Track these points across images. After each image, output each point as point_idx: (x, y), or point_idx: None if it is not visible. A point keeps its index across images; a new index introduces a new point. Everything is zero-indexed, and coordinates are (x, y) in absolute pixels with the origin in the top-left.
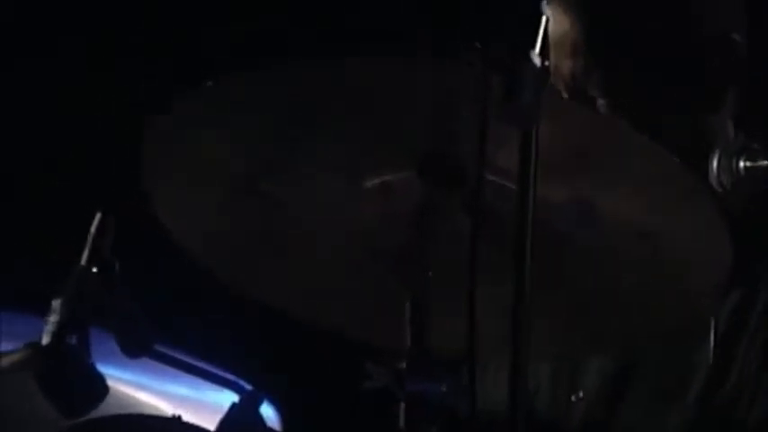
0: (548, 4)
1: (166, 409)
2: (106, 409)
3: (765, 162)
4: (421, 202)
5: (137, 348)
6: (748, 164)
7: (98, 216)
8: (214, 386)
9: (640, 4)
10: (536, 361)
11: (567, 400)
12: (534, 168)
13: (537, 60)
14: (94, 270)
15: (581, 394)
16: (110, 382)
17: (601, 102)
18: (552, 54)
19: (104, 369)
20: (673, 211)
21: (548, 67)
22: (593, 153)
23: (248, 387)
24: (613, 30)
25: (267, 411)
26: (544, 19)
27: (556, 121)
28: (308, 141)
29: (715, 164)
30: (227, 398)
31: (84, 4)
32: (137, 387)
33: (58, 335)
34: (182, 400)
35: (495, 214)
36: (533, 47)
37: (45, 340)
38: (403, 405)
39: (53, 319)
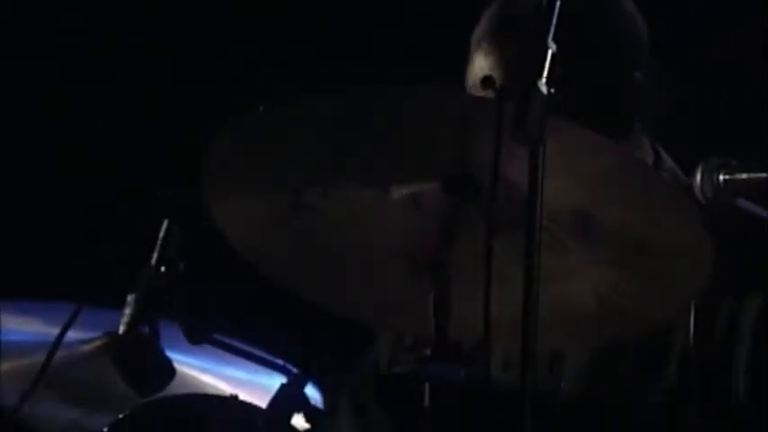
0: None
1: (225, 389)
2: (173, 389)
3: (742, 175)
4: (444, 211)
5: (199, 337)
6: (727, 177)
7: (165, 223)
8: (266, 370)
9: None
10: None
11: (549, 374)
12: (541, 181)
13: (543, 88)
14: (162, 269)
15: (563, 385)
16: (176, 366)
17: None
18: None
19: (172, 354)
20: (662, 220)
21: (554, 94)
22: (591, 170)
23: (295, 370)
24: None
25: (311, 391)
26: (550, 52)
27: (558, 142)
28: (345, 159)
29: (698, 177)
30: (277, 380)
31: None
32: (200, 370)
33: (132, 325)
34: (238, 382)
35: (507, 221)
36: (540, 77)
37: (121, 329)
38: (427, 386)
39: (128, 311)
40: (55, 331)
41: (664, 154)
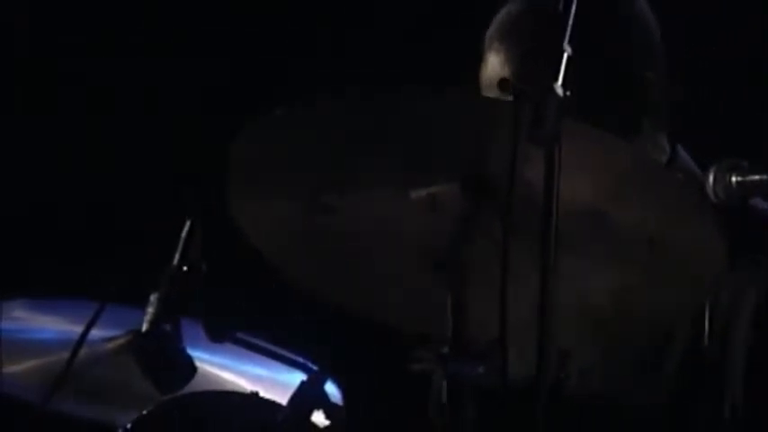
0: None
1: (246, 386)
2: (195, 386)
3: (754, 177)
4: (461, 212)
5: (220, 335)
6: (739, 179)
7: (187, 224)
8: (286, 367)
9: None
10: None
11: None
12: (557, 182)
13: (559, 91)
14: (185, 269)
15: (570, 375)
16: (198, 364)
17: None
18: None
19: (193, 352)
20: (676, 219)
21: (569, 97)
22: (606, 170)
23: (315, 368)
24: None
25: (331, 389)
26: (565, 56)
27: (574, 143)
28: (363, 160)
29: (711, 179)
30: (297, 377)
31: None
32: (220, 368)
33: (154, 323)
34: (259, 379)
35: (524, 221)
36: (556, 80)
37: (144, 327)
38: (445, 384)
39: (150, 309)
40: (79, 329)
41: (681, 151)
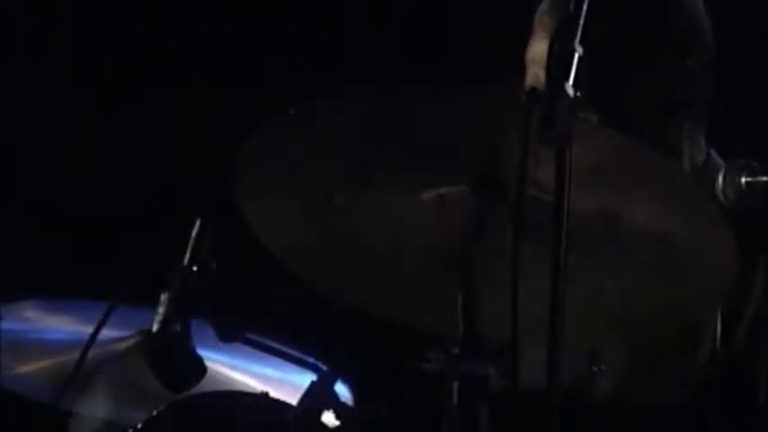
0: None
1: (256, 386)
2: (205, 386)
3: (764, 178)
4: (472, 212)
5: (230, 335)
6: (749, 179)
7: (198, 223)
8: (296, 367)
9: (613, 33)
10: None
11: (588, 372)
12: (568, 182)
13: (570, 91)
14: (195, 269)
15: (602, 367)
16: (208, 364)
17: (593, 118)
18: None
19: (203, 352)
20: (687, 220)
21: (580, 97)
22: (618, 171)
23: (325, 368)
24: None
25: (341, 389)
26: (576, 55)
27: (586, 143)
28: (375, 161)
29: (720, 179)
30: (307, 377)
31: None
32: (230, 368)
33: (164, 323)
34: (269, 379)
35: (534, 222)
36: (567, 79)
37: (154, 328)
38: (456, 384)
39: (161, 310)
40: (89, 329)
41: (714, 154)
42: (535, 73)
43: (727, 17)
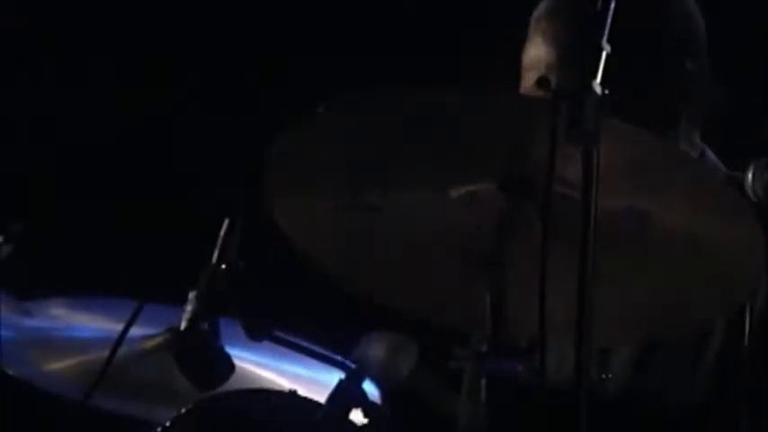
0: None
1: (284, 385)
2: (233, 384)
3: None
4: (501, 211)
5: (259, 333)
6: None
7: (226, 222)
8: (324, 366)
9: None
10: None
11: (598, 378)
12: (596, 181)
13: (598, 89)
14: (223, 267)
15: (610, 375)
16: (236, 362)
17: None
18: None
19: (232, 351)
20: (716, 219)
21: (607, 95)
22: (647, 170)
23: (353, 366)
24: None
25: (369, 387)
26: (604, 53)
27: (614, 142)
28: (403, 159)
29: (750, 176)
30: (336, 376)
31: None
32: (259, 366)
33: (193, 321)
34: (297, 378)
35: (563, 221)
36: (595, 78)
37: (182, 326)
38: (484, 381)
39: (189, 308)
40: (118, 327)
41: (708, 150)
42: (531, 78)
43: (727, 17)
